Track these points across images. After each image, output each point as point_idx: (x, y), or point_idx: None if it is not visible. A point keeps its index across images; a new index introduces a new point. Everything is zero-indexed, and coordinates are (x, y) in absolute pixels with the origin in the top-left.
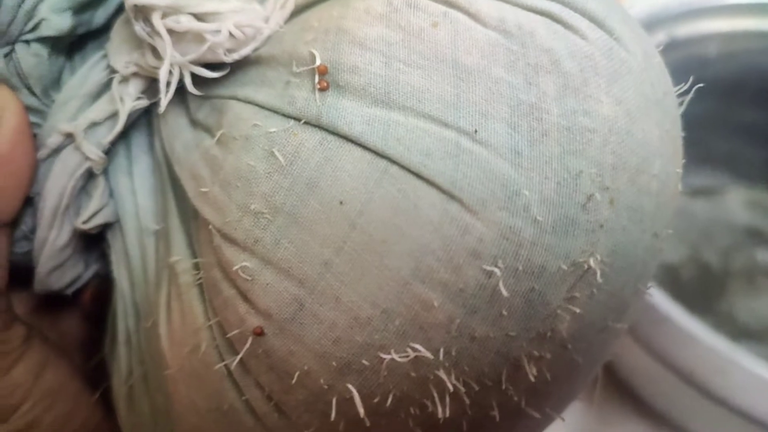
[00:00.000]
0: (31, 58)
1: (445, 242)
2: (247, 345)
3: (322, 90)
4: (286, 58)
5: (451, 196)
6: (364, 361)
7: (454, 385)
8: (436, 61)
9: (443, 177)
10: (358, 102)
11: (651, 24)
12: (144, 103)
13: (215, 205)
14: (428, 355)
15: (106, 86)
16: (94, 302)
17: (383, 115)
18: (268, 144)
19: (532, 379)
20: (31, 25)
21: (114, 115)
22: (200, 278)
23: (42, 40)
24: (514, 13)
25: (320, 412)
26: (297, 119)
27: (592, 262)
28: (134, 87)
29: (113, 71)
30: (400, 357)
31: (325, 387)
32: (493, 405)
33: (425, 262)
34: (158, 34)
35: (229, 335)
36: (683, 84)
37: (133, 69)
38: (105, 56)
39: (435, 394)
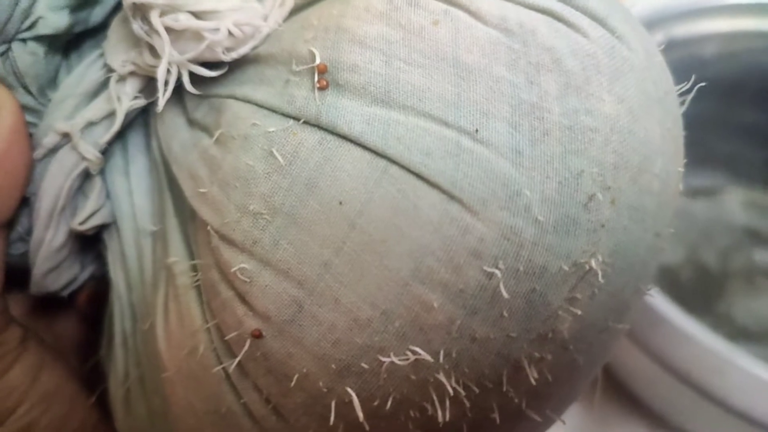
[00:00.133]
0: (27, 56)
1: (445, 242)
2: (245, 347)
3: (322, 89)
4: (285, 57)
5: (452, 196)
6: (363, 364)
7: (454, 388)
8: (437, 59)
9: (443, 177)
10: (357, 101)
11: (651, 24)
12: (141, 102)
13: (213, 206)
14: (428, 357)
15: (103, 85)
16: (91, 304)
17: (383, 115)
18: (267, 143)
19: (533, 380)
20: (27, 23)
21: (111, 115)
22: (198, 280)
23: (38, 38)
24: (516, 12)
25: (319, 415)
26: (296, 118)
27: (593, 262)
28: (131, 86)
29: (110, 70)
30: (399, 360)
31: (324, 390)
32: (494, 407)
33: (425, 263)
34: (156, 32)
35: (227, 338)
36: (685, 83)
37: (130, 68)
38: (102, 55)
39: (435, 397)
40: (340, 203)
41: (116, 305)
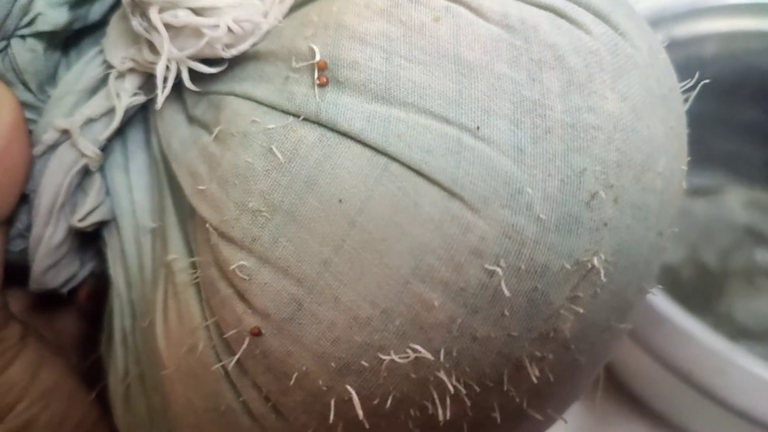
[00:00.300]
0: (26, 53)
1: (446, 241)
2: (245, 345)
3: (322, 86)
4: (285, 54)
5: (453, 194)
6: (363, 362)
7: (454, 387)
8: (438, 56)
9: (444, 174)
10: (358, 98)
11: (651, 23)
12: (141, 99)
13: (212, 203)
14: (428, 356)
15: (103, 82)
16: (90, 301)
17: (384, 112)
18: (266, 141)
19: (534, 379)
20: (26, 19)
21: (110, 111)
22: (197, 277)
23: (38, 35)
24: (518, 8)
25: (318, 413)
26: (296, 115)
27: (595, 261)
28: (131, 83)
29: (109, 67)
30: (399, 358)
31: (324, 388)
32: (495, 406)
33: (426, 261)
34: (155, 29)
35: (226, 335)
36: (688, 80)
37: (129, 64)
38: (101, 52)
39: (435, 396)
40: (340, 201)
41: (116, 302)
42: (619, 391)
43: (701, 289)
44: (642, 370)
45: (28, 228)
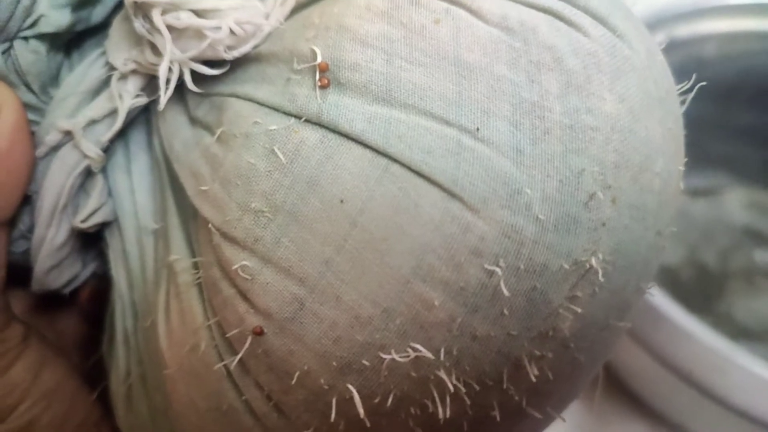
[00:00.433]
0: (29, 54)
1: (446, 241)
2: (247, 345)
3: (323, 87)
4: (286, 55)
5: (452, 195)
6: (364, 361)
7: (454, 385)
8: (438, 58)
9: (444, 175)
10: (359, 99)
11: (651, 24)
12: (143, 100)
13: (215, 204)
14: (429, 355)
15: (105, 83)
16: (92, 301)
17: (384, 113)
18: (268, 142)
19: (534, 378)
20: (29, 21)
21: (113, 113)
22: (199, 277)
23: (40, 36)
24: (517, 10)
25: (320, 412)
26: (298, 117)
27: (594, 260)
28: (133, 84)
29: (112, 68)
30: (400, 357)
31: (326, 387)
32: (494, 405)
33: (426, 261)
34: (158, 30)
35: (228, 335)
36: (686, 82)
37: (132, 66)
38: (103, 53)
39: (436, 395)
40: (342, 201)
41: (118, 303)
42: (619, 390)
43: (701, 290)
44: (642, 369)
45: (31, 229)
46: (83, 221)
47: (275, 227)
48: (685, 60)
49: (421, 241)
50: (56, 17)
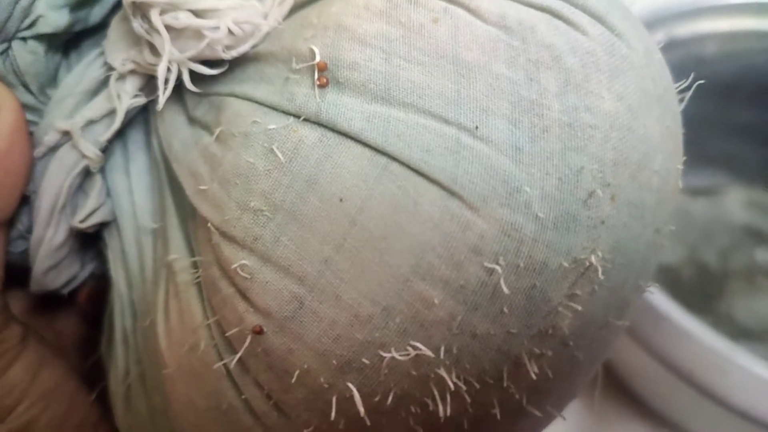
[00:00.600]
0: (27, 55)
1: (445, 239)
2: (246, 344)
3: (322, 86)
4: (285, 55)
5: (452, 193)
6: (364, 360)
7: (455, 384)
8: (437, 57)
9: (444, 173)
10: (357, 98)
11: (650, 23)
12: (141, 100)
13: (214, 203)
14: (429, 353)
15: (104, 84)
16: (91, 302)
17: (383, 112)
18: (267, 141)
19: (534, 376)
20: (27, 22)
21: (111, 113)
22: (198, 277)
23: (38, 37)
24: (515, 9)
25: (320, 411)
26: (296, 116)
27: (593, 258)
28: (132, 84)
29: (110, 68)
30: (400, 355)
31: (325, 386)
32: (494, 403)
33: (426, 259)
34: (156, 30)
35: (227, 334)
36: (684, 80)
37: (130, 66)
38: (102, 54)
39: (436, 393)
40: (341, 200)
41: (116, 303)
42: (619, 390)
43: (701, 290)
44: (642, 369)
45: (29, 229)
46: (82, 221)
47: (274, 226)
48: (684, 59)
49: (420, 239)
50: (54, 18)
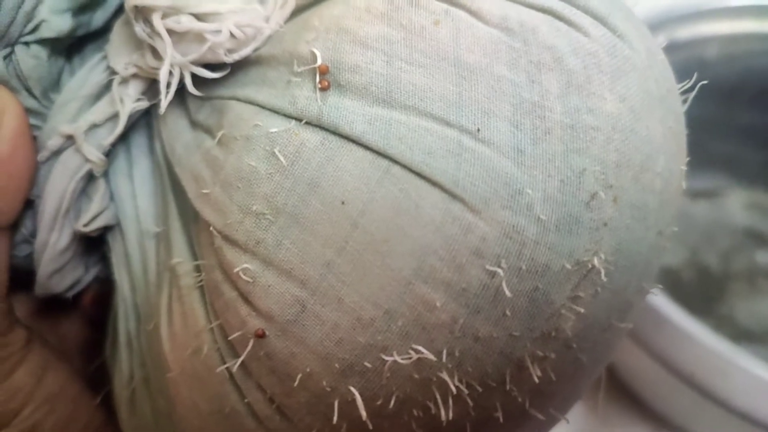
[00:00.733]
0: (30, 59)
1: (447, 242)
2: (249, 347)
3: (324, 89)
4: (287, 58)
5: (454, 196)
6: (366, 363)
7: (457, 387)
8: (438, 59)
9: (445, 176)
10: (359, 101)
11: (652, 26)
12: (144, 104)
13: (216, 207)
14: (431, 356)
15: (106, 88)
16: (95, 305)
17: (385, 115)
18: (269, 144)
19: (537, 379)
20: (30, 26)
21: (114, 117)
22: (201, 280)
23: (41, 41)
24: (517, 11)
25: (322, 414)
26: (298, 119)
27: (596, 260)
28: (134, 88)
29: (113, 72)
30: (402, 359)
31: (328, 389)
32: (497, 406)
33: (427, 262)
34: (158, 34)
35: (230, 338)
36: (687, 81)
37: (133, 70)
38: (104, 58)
39: (438, 396)
40: (343, 203)
41: (120, 306)
42: (621, 392)
43: (702, 292)
44: (643, 371)
45: (33, 233)
46: (85, 225)
47: (276, 230)
48: (686, 61)
49: (422, 242)
50: (57, 22)
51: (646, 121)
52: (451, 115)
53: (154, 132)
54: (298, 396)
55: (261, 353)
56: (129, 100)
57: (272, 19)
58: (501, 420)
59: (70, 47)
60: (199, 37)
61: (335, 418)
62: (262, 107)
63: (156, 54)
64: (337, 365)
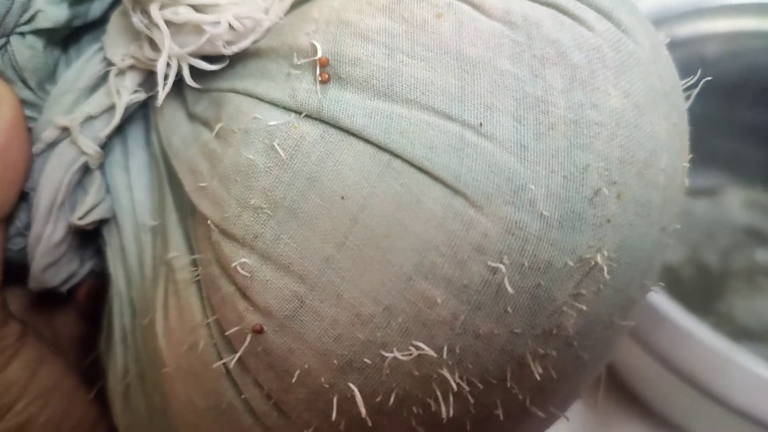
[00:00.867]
0: (26, 50)
1: (449, 237)
2: (246, 343)
3: (324, 82)
4: (286, 50)
5: (456, 191)
6: (366, 359)
7: (457, 384)
8: (440, 52)
9: (447, 171)
10: (360, 94)
11: (653, 23)
12: (141, 96)
13: (214, 200)
14: (431, 353)
15: (103, 79)
16: (90, 299)
17: (386, 108)
18: (268, 137)
19: (538, 377)
20: (26, 17)
21: (110, 109)
22: (198, 275)
23: (37, 32)
24: (520, 4)
25: (321, 411)
26: (298, 112)
27: (598, 257)
28: (131, 80)
29: (110, 64)
30: (402, 355)
31: (326, 386)
32: (498, 404)
33: (429, 258)
34: (156, 25)
35: (227, 333)
36: (691, 77)
37: (130, 61)
38: (101, 49)
39: (438, 393)
40: (342, 198)
41: (115, 301)
42: (621, 391)
43: (702, 290)
44: (643, 370)
45: (28, 226)
46: (81, 218)
47: (275, 224)
48: (687, 58)
49: (423, 237)
50: (53, 13)
51: (650, 116)
52: (453, 109)
53: (151, 124)
54: (296, 392)
55: (258, 349)
56: (126, 92)
57: (271, 11)
58: (501, 417)
59: (67, 38)
60: (198, 29)
61: (334, 415)
62: (261, 100)
63: (154, 45)
64: (335, 361)
